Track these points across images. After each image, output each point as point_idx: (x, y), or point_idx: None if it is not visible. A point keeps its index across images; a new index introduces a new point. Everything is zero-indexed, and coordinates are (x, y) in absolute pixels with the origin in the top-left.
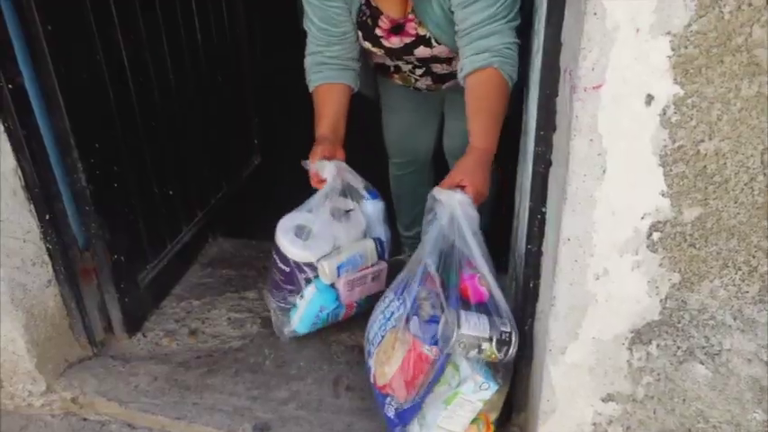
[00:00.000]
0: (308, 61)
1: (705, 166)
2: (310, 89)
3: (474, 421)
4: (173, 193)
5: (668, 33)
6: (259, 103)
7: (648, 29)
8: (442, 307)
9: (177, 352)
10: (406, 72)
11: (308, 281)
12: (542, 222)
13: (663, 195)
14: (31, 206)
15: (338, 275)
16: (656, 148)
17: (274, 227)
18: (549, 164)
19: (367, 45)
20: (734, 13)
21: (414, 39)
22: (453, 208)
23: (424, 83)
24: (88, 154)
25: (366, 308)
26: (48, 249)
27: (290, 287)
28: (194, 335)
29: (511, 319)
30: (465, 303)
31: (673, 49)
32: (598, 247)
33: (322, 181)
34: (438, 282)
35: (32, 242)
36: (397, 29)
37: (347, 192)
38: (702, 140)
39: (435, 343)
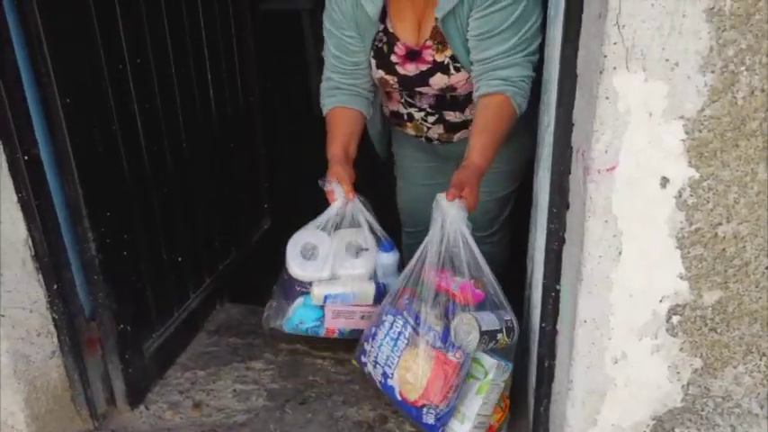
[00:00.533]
0: (322, 86)
1: (724, 249)
2: (324, 112)
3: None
4: (181, 260)
5: (681, 117)
6: (270, 166)
7: (661, 113)
8: (446, 316)
9: (180, 426)
10: (418, 120)
11: (302, 293)
12: (556, 300)
13: (681, 278)
14: (40, 276)
15: (324, 302)
16: (672, 230)
17: None
18: (563, 242)
19: (380, 74)
20: (747, 98)
21: (430, 66)
22: (456, 215)
23: (436, 131)
24: (99, 223)
25: (348, 337)
26: (54, 319)
27: (286, 292)
28: (198, 408)
29: (506, 306)
30: (463, 307)
31: (686, 133)
32: (616, 329)
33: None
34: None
35: (39, 312)
36: (412, 55)
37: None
38: (720, 223)
39: (455, 348)
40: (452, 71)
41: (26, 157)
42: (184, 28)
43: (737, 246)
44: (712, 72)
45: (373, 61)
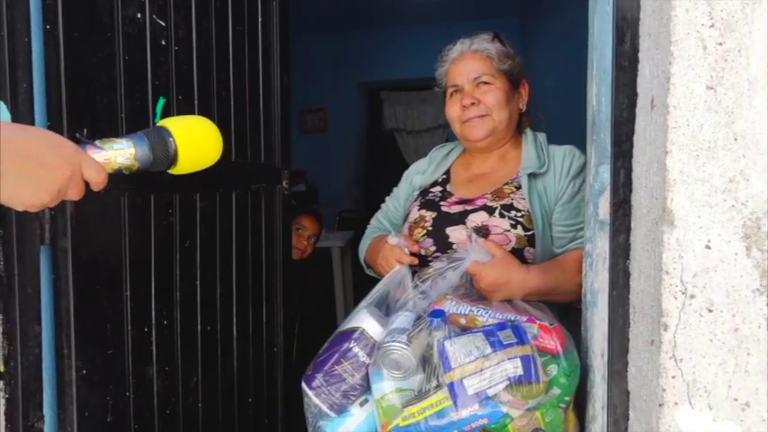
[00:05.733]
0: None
1: None
2: (364, 251)
3: None
4: None
5: None
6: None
7: None
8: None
9: None
10: None
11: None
12: None
13: None
14: None
15: None
16: None
17: None
18: None
19: (419, 214)
20: None
21: (477, 207)
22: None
23: None
24: None
25: None
26: None
27: (360, 384)
28: None
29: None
30: None
31: None
32: None
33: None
34: None
35: None
36: (464, 201)
37: None
38: None
39: None
40: (496, 215)
41: None
42: (216, 290)
43: None
44: None
45: (416, 207)
